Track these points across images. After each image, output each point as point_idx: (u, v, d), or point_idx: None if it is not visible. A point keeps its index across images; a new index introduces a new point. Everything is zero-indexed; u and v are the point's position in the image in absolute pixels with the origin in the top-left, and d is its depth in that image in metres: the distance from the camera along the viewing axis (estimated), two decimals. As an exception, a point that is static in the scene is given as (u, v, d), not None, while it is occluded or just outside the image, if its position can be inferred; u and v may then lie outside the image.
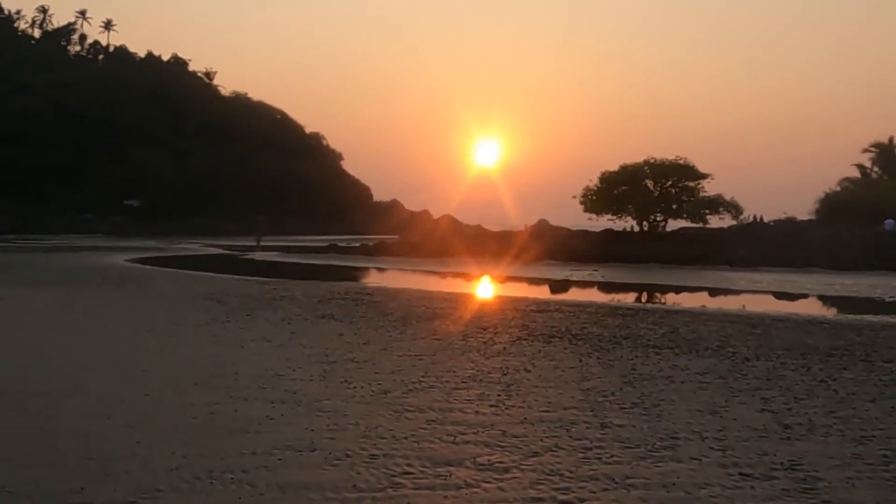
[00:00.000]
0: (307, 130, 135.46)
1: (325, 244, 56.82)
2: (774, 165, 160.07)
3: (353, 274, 33.68)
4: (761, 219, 52.59)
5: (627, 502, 5.20)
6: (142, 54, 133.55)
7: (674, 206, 45.98)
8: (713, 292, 24.92)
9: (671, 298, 23.32)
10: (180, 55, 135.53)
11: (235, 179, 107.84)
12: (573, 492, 5.34)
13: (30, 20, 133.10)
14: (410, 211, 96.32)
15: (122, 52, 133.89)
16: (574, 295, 24.12)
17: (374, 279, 30.85)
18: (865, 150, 66.52)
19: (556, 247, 42.15)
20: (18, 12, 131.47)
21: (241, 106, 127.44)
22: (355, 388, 8.61)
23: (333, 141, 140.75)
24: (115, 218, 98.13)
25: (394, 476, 5.61)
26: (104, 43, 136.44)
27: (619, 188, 46.61)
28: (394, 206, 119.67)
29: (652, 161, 46.63)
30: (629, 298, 23.35)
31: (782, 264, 35.64)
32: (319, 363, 10.11)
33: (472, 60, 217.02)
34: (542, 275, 32.59)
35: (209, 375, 9.18)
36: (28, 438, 6.44)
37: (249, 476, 5.55)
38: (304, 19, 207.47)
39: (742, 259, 37.02)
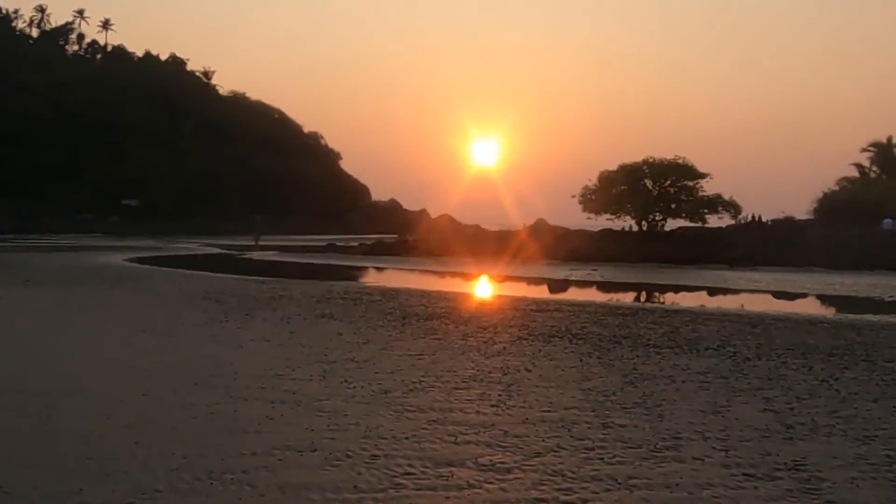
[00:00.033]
0: (305, 130, 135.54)
1: (324, 244, 56.81)
2: (773, 165, 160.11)
3: (351, 273, 33.63)
4: (759, 218, 52.60)
5: (630, 503, 5.16)
6: (140, 54, 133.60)
7: (673, 206, 45.97)
8: (712, 292, 24.90)
9: (670, 298, 23.30)
10: (178, 55, 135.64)
11: (234, 179, 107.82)
12: (576, 492, 5.30)
13: (28, 19, 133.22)
14: (409, 210, 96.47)
15: (120, 51, 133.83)
16: (573, 294, 24.09)
17: (372, 279, 30.81)
18: (864, 150, 66.65)
19: (555, 246, 42.11)
20: (16, 11, 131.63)
21: (240, 105, 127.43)
22: (355, 387, 8.57)
23: (332, 140, 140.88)
24: (113, 217, 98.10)
25: (395, 477, 5.57)
26: (102, 42, 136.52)
27: (618, 188, 46.58)
28: (392, 205, 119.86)
29: (651, 161, 46.60)
30: (629, 298, 23.33)
31: (781, 264, 35.61)
32: (319, 363, 10.07)
33: (471, 60, 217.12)
34: (540, 274, 32.56)
35: (208, 375, 9.14)
36: (27, 438, 6.40)
37: (249, 476, 5.51)
38: (303, 19, 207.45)
39: (741, 258, 37.01)
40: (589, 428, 6.96)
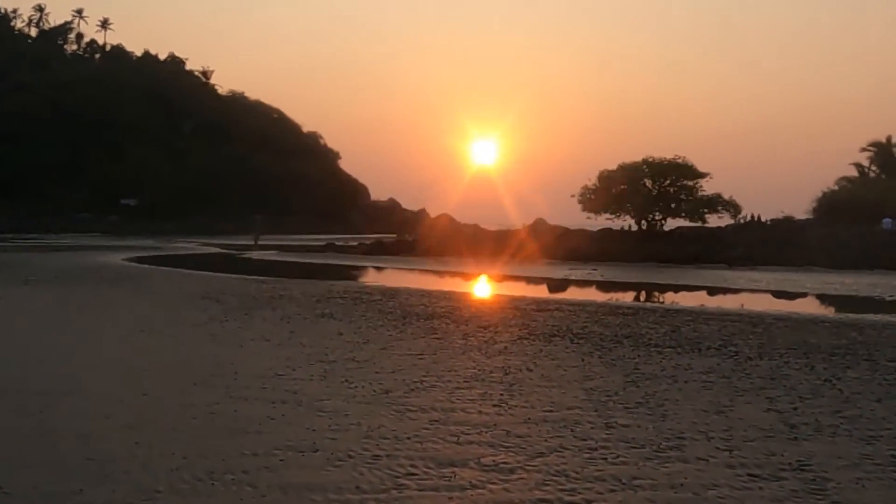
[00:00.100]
0: (304, 129, 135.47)
1: (323, 243, 56.80)
2: (772, 165, 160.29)
3: (351, 273, 33.59)
4: (759, 218, 52.60)
5: (635, 503, 5.12)
6: (139, 53, 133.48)
7: (672, 205, 45.96)
8: (713, 291, 24.87)
9: (671, 297, 23.27)
10: (177, 54, 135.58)
11: (233, 178, 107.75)
12: (580, 493, 5.26)
13: (26, 19, 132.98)
14: (408, 210, 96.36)
15: (118, 51, 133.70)
16: (573, 294, 24.06)
17: (372, 278, 30.77)
18: (864, 150, 66.71)
19: (554, 246, 42.08)
20: (15, 11, 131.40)
21: (239, 105, 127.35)
22: (356, 387, 8.53)
23: (331, 140, 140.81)
24: (112, 217, 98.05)
25: (397, 477, 5.53)
26: (101, 42, 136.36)
27: (618, 187, 46.58)
28: (391, 205, 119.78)
29: (651, 160, 46.60)
30: (629, 297, 23.30)
31: (781, 263, 35.60)
32: (320, 362, 10.02)
33: (471, 60, 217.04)
34: (540, 274, 32.53)
35: (208, 375, 9.09)
36: (26, 438, 6.35)
37: (251, 477, 5.46)
38: (302, 18, 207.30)
39: (740, 258, 36.98)
40: (592, 428, 6.92)
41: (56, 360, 10.04)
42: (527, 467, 5.78)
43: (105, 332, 12.75)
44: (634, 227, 46.54)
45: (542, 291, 25.05)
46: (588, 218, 48.17)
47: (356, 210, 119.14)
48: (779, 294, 23.93)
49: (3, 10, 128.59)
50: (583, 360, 10.53)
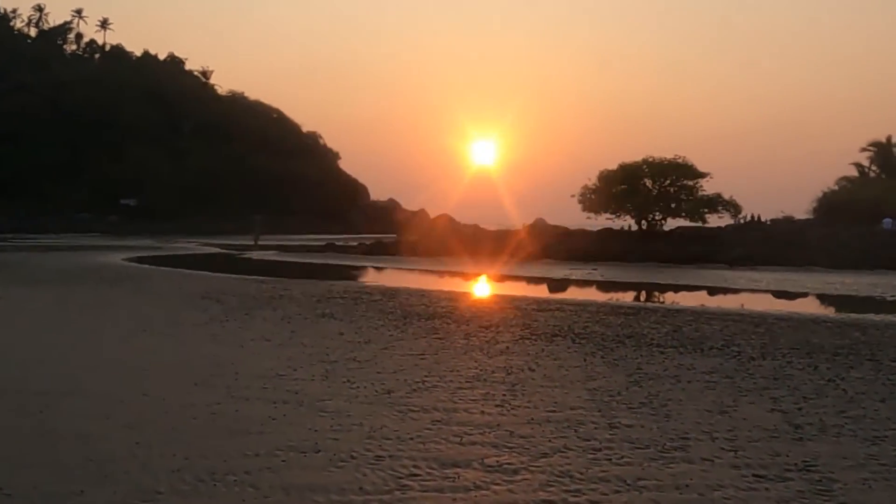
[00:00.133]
0: (304, 129, 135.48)
1: (323, 243, 56.77)
2: (772, 165, 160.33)
3: (351, 273, 33.55)
4: (759, 218, 52.60)
5: (640, 504, 5.09)
6: (138, 53, 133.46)
7: (673, 205, 45.90)
8: (714, 291, 24.82)
9: (672, 297, 23.22)
10: (177, 54, 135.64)
11: (232, 179, 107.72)
12: (584, 494, 5.22)
13: (26, 19, 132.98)
14: (408, 210, 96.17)
15: (118, 50, 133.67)
16: (574, 294, 24.01)
17: (372, 278, 30.72)
18: (864, 150, 66.66)
19: (555, 246, 42.04)
20: (14, 11, 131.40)
21: (238, 105, 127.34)
22: (358, 387, 8.48)
23: (330, 140, 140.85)
24: (112, 217, 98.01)
25: (400, 478, 5.48)
26: (100, 42, 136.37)
27: (618, 187, 46.51)
28: (391, 205, 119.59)
29: (651, 160, 46.55)
30: (630, 297, 23.25)
31: (781, 263, 35.55)
32: (321, 363, 9.98)
33: (471, 59, 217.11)
34: (540, 274, 32.49)
35: (209, 375, 9.05)
36: (27, 439, 6.31)
37: (252, 478, 5.42)
38: (301, 18, 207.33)
39: (741, 258, 36.93)
40: (595, 428, 6.87)
41: (56, 360, 10.00)
42: (531, 468, 5.74)
43: (105, 332, 12.70)
44: (634, 227, 46.49)
45: (542, 291, 25.01)
46: (588, 218, 48.18)
47: (356, 210, 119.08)
48: (780, 294, 23.88)
49: (2, 10, 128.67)
50: (585, 360, 10.49)
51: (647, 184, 46.21)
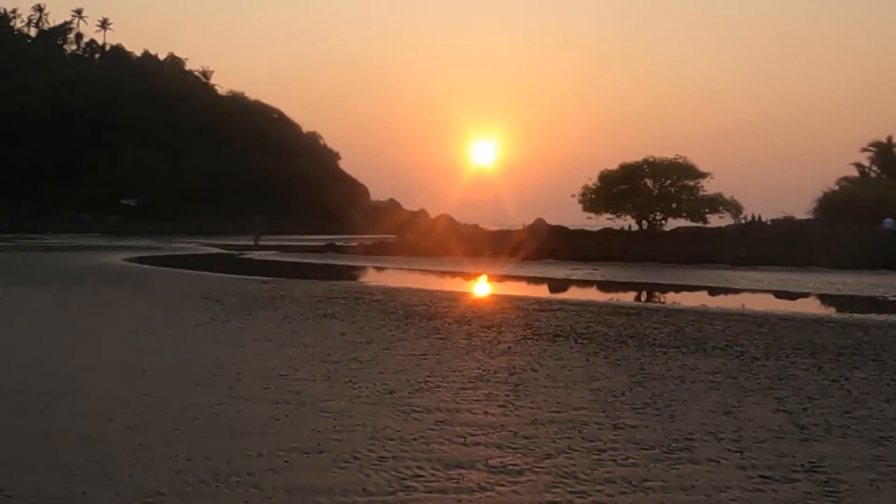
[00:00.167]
0: (304, 130, 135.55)
1: (323, 244, 56.70)
2: (772, 165, 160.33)
3: (352, 273, 33.52)
4: (759, 218, 52.51)
5: (646, 506, 5.04)
6: (138, 53, 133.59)
7: (673, 206, 45.84)
8: (715, 291, 24.77)
9: (674, 297, 23.16)
10: (177, 54, 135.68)
11: (232, 179, 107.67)
12: (590, 495, 5.18)
13: (26, 19, 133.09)
14: (408, 211, 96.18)
15: (118, 51, 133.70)
16: (575, 294, 23.96)
17: (373, 278, 30.66)
18: (864, 150, 66.49)
19: (555, 246, 42.00)
20: (14, 11, 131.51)
21: (238, 105, 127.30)
22: (360, 388, 8.44)
23: (330, 140, 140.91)
24: (111, 217, 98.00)
25: (404, 479, 5.44)
26: (100, 42, 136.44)
27: (619, 187, 46.48)
28: (391, 205, 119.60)
29: (652, 160, 46.50)
30: (631, 297, 23.20)
31: (782, 263, 35.53)
32: (322, 363, 9.94)
33: (471, 60, 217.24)
34: (541, 274, 32.46)
35: (210, 375, 9.01)
36: (27, 440, 6.26)
37: (255, 479, 5.38)
38: (301, 18, 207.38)
39: (742, 258, 36.89)
40: (600, 429, 6.83)
41: (57, 361, 9.95)
42: (535, 469, 5.70)
43: (106, 333, 12.66)
44: (635, 228, 46.45)
45: (543, 291, 24.97)
46: (589, 218, 48.14)
47: (356, 210, 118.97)
48: (781, 294, 23.84)
49: (2, 11, 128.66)
50: (588, 360, 10.45)
51: (648, 184, 46.17)
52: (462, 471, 5.64)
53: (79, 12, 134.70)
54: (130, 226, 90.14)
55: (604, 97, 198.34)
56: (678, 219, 46.56)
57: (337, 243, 56.48)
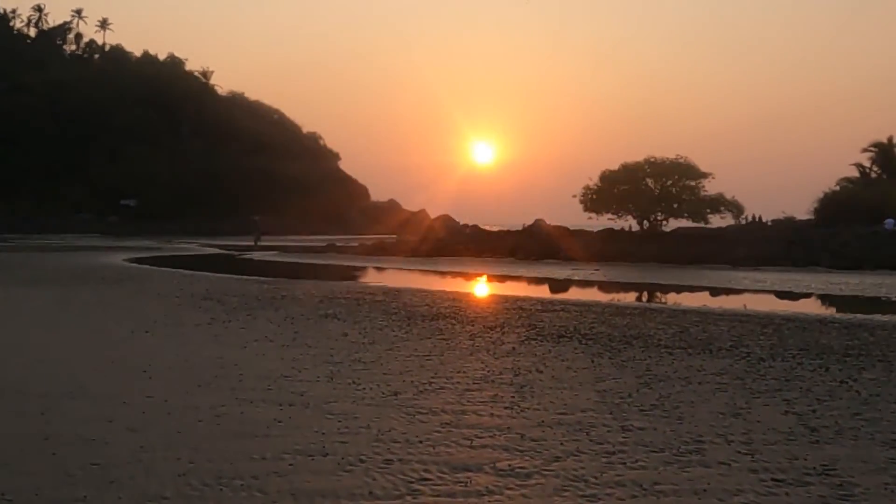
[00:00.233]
0: (304, 130, 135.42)
1: (324, 244, 56.67)
2: (772, 165, 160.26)
3: (353, 273, 33.43)
4: (760, 219, 52.40)
5: (658, 510, 4.95)
6: (138, 53, 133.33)
7: (675, 206, 45.76)
8: (718, 291, 24.69)
9: (677, 298, 23.07)
10: (177, 54, 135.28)
11: (232, 179, 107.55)
12: (600, 499, 5.09)
13: (25, 19, 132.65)
14: (408, 211, 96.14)
15: (117, 51, 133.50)
16: (578, 294, 23.87)
17: (374, 278, 30.57)
18: (865, 150, 66.30)
19: (555, 246, 41.91)
20: (14, 11, 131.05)
21: (238, 106, 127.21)
22: (364, 389, 8.35)
23: (331, 141, 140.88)
24: (111, 218, 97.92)
25: (411, 482, 5.35)
26: (100, 42, 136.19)
27: (620, 187, 46.40)
28: (391, 205, 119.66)
29: (653, 160, 46.43)
30: (634, 298, 23.10)
31: (784, 263, 35.46)
32: (325, 364, 9.85)
33: (471, 60, 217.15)
34: (542, 274, 32.37)
35: (212, 377, 8.92)
36: (28, 443, 6.17)
37: (260, 482, 5.29)
38: (302, 19, 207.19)
39: (743, 258, 36.82)
40: (608, 431, 6.74)
41: (57, 362, 9.86)
42: (543, 472, 5.61)
43: (106, 333, 12.57)
44: (636, 228, 46.36)
45: (545, 292, 24.89)
46: (589, 218, 48.09)
47: (356, 210, 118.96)
48: (785, 294, 23.74)
49: (2, 11, 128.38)
50: (593, 361, 10.36)
51: (650, 184, 46.09)
52: (470, 474, 5.55)
53: (78, 12, 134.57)
54: (130, 226, 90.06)
55: (604, 97, 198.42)
56: (679, 219, 46.49)
57: (337, 244, 56.41)
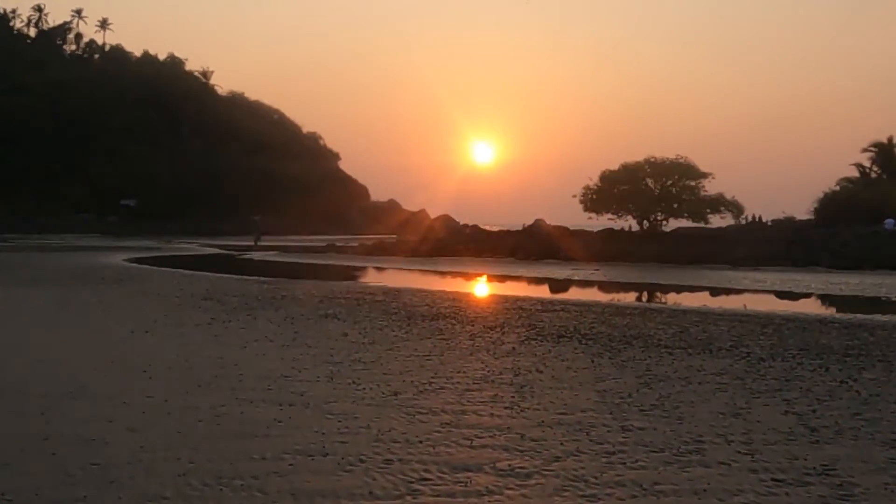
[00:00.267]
0: (304, 130, 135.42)
1: (324, 244, 56.67)
2: (772, 165, 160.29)
3: (353, 273, 33.43)
4: (760, 219, 52.41)
5: (658, 510, 4.95)
6: (138, 54, 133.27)
7: (675, 206, 45.76)
8: (718, 291, 24.70)
9: (677, 298, 23.07)
10: (177, 54, 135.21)
11: (232, 179, 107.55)
12: (601, 499, 5.08)
13: (25, 19, 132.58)
14: (408, 211, 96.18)
15: (117, 51, 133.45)
16: (578, 294, 23.87)
17: (374, 278, 30.57)
18: (865, 150, 66.31)
19: (555, 246, 41.91)
20: (14, 11, 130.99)
21: (238, 106, 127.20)
22: (364, 389, 8.35)
23: (331, 141, 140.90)
24: (111, 218, 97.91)
25: (411, 482, 5.35)
26: (100, 42, 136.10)
27: (620, 187, 46.40)
28: (391, 205, 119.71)
29: (653, 160, 46.44)
30: (634, 298, 23.11)
31: (784, 263, 35.47)
32: (325, 364, 9.85)
33: (471, 60, 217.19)
34: (542, 274, 32.37)
35: (213, 377, 8.92)
36: (28, 443, 6.17)
37: (260, 482, 5.29)
38: (302, 19, 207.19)
39: (743, 258, 36.82)
40: (608, 431, 6.74)
41: (57, 362, 9.86)
42: (543, 472, 5.61)
43: (106, 333, 12.57)
44: (636, 228, 46.36)
45: (545, 292, 24.89)
46: (589, 218, 48.11)
47: (356, 210, 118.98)
48: (785, 294, 23.75)
49: (2, 11, 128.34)
50: (593, 361, 10.36)
51: (650, 184, 46.09)
52: (470, 474, 5.55)
53: (78, 12, 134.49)
54: (130, 226, 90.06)
55: (604, 97, 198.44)
56: (679, 219, 46.49)
57: (337, 244, 56.41)
